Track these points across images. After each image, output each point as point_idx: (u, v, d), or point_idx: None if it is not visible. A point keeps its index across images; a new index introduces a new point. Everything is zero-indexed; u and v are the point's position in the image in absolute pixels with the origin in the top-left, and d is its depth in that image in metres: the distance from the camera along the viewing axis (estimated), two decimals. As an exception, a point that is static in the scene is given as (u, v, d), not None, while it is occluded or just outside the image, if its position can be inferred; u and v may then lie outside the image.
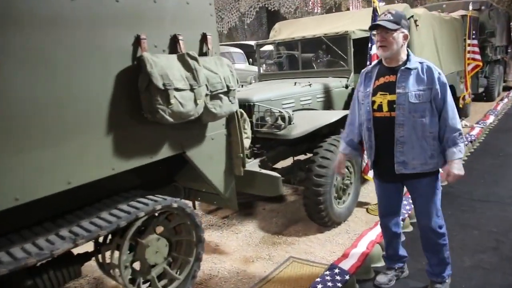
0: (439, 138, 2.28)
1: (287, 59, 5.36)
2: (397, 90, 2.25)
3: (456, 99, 6.77)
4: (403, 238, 3.01)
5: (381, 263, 2.96)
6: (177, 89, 1.96)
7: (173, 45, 2.15)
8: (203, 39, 2.32)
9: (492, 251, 3.05)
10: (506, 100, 10.28)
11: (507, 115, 8.81)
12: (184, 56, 2.07)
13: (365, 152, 2.54)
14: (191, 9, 2.25)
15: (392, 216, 2.62)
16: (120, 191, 2.41)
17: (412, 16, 5.09)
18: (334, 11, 18.31)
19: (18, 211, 1.69)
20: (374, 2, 3.89)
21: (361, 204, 4.16)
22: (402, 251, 2.73)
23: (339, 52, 4.61)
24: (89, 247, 2.30)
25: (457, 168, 2.23)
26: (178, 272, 2.52)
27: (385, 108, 2.30)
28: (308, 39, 4.86)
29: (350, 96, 4.62)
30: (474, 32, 7.63)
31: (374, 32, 2.31)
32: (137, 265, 2.36)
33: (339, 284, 2.57)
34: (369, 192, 4.51)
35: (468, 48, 7.39)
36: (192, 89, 2.04)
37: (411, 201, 2.72)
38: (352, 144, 2.60)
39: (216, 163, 2.49)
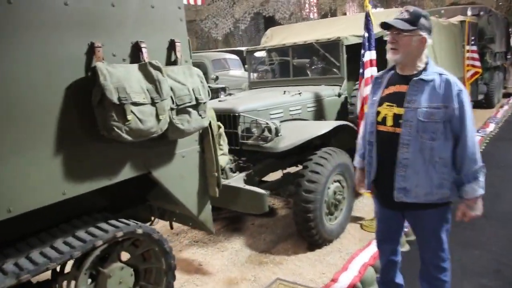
0: (454, 167, 1.94)
1: (278, 66, 5.18)
2: (406, 104, 1.94)
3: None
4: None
5: (374, 288, 2.71)
6: (135, 104, 1.71)
7: (135, 54, 1.92)
8: (171, 46, 2.08)
9: (494, 274, 2.83)
10: (506, 107, 10.16)
11: (508, 123, 8.62)
12: (146, 66, 1.84)
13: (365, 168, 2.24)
14: (157, 13, 2.01)
15: (390, 244, 2.32)
16: (83, 213, 2.17)
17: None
18: (329, 16, 18.12)
19: None
20: (366, 7, 3.68)
21: (355, 219, 3.93)
22: (399, 279, 2.42)
23: (332, 59, 4.43)
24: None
25: (476, 209, 1.92)
26: (148, 303, 2.28)
27: (389, 122, 2.00)
28: (299, 45, 4.69)
29: (343, 105, 4.43)
30: (473, 38, 7.50)
31: (388, 32, 1.99)
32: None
33: (326, 314, 2.34)
34: (364, 206, 4.29)
35: (467, 55, 7.25)
36: (153, 103, 1.79)
37: None
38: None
39: (188, 183, 2.25)
